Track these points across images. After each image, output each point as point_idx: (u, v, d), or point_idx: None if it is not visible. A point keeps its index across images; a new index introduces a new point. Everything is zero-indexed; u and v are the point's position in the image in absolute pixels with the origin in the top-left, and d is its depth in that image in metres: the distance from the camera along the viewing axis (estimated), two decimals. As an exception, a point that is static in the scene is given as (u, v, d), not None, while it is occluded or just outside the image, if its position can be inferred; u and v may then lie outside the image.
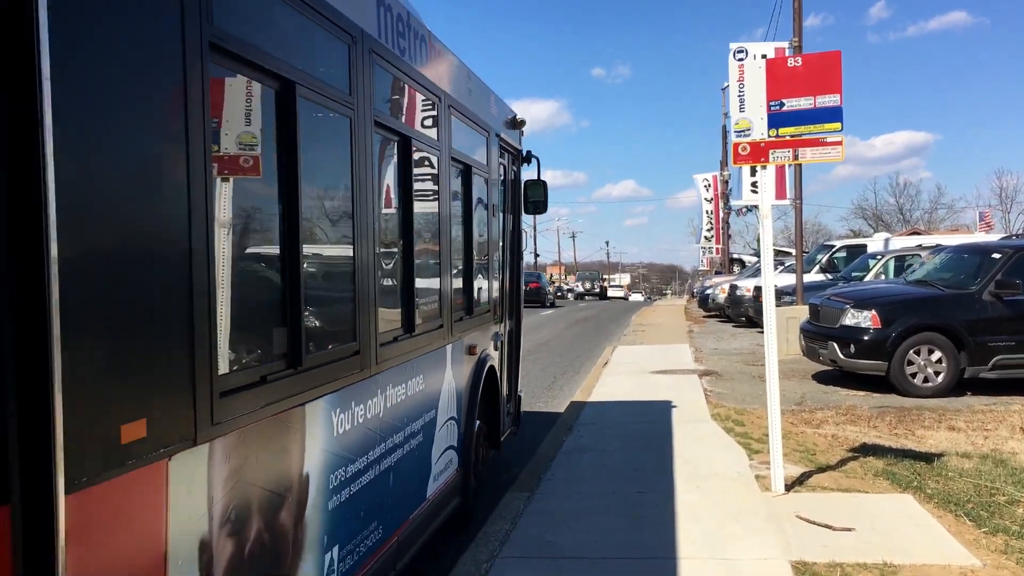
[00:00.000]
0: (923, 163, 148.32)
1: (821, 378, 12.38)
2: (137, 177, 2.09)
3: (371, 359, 3.73)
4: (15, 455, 1.77)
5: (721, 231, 42.74)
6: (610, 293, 60.33)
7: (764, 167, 6.43)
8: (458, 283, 5.54)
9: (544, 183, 7.69)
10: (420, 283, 4.57)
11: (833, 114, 6.10)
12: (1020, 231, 49.41)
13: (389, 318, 4.11)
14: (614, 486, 6.52)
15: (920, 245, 18.94)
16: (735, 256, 43.56)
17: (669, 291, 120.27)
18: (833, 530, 5.39)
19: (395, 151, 4.28)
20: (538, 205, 7.66)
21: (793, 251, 18.57)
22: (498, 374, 6.64)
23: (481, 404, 6.03)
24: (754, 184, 11.32)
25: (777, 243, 50.81)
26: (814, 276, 19.59)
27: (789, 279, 18.45)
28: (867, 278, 17.11)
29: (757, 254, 19.11)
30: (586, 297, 56.66)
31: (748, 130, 6.36)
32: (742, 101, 6.31)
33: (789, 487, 6.34)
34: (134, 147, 2.08)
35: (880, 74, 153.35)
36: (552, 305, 42.78)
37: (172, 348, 2.22)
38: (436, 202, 4.89)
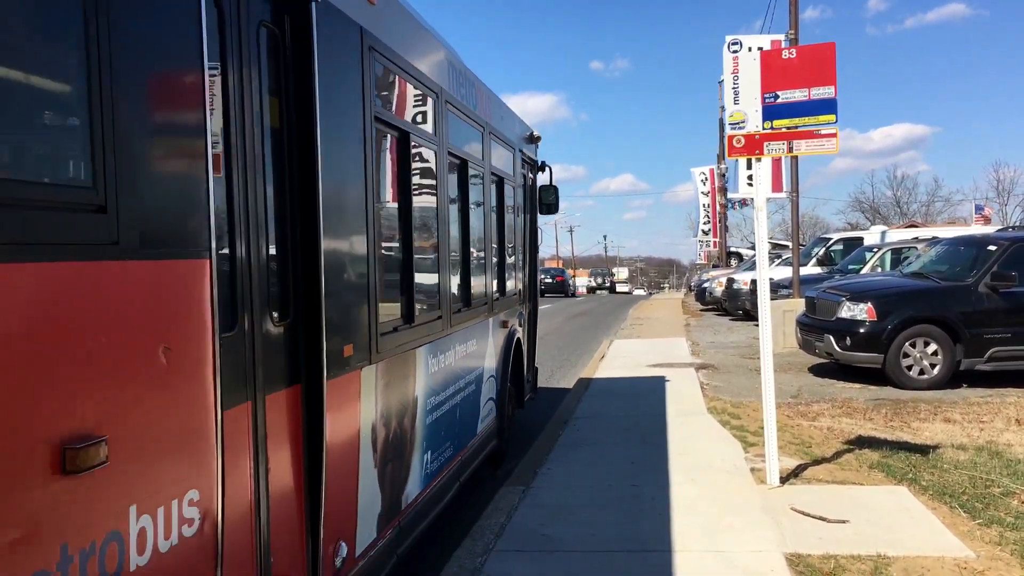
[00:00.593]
0: (921, 156, 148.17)
1: (817, 371, 12.39)
2: (352, 201, 3.71)
3: (448, 323, 5.28)
4: (302, 360, 3.23)
5: (718, 224, 42.78)
6: (618, 288, 66.48)
7: (759, 159, 6.43)
8: (496, 271, 6.99)
9: (556, 188, 9.04)
10: (473, 270, 6.08)
11: (827, 106, 6.09)
12: (1017, 223, 49.50)
13: (456, 296, 5.67)
14: (611, 479, 6.53)
15: (916, 238, 18.95)
16: (732, 249, 43.57)
17: (667, 285, 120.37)
18: (828, 522, 5.39)
19: (457, 172, 5.78)
20: (551, 207, 9.00)
21: (790, 244, 18.58)
22: (522, 346, 8.12)
23: (512, 368, 7.52)
24: (750, 177, 11.30)
25: (774, 236, 50.96)
26: (811, 269, 19.61)
27: (786, 272, 18.46)
28: (863, 271, 17.12)
29: (754, 247, 19.12)
30: (597, 291, 61.45)
31: (743, 122, 6.35)
32: (736, 93, 6.30)
33: (784, 480, 6.35)
34: (350, 181, 3.69)
35: (879, 67, 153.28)
36: (573, 295, 51.30)
37: (362, 307, 3.79)
38: (482, 209, 6.44)
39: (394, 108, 4.44)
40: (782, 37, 15.20)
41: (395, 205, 4.51)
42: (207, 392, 2.50)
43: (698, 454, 7.30)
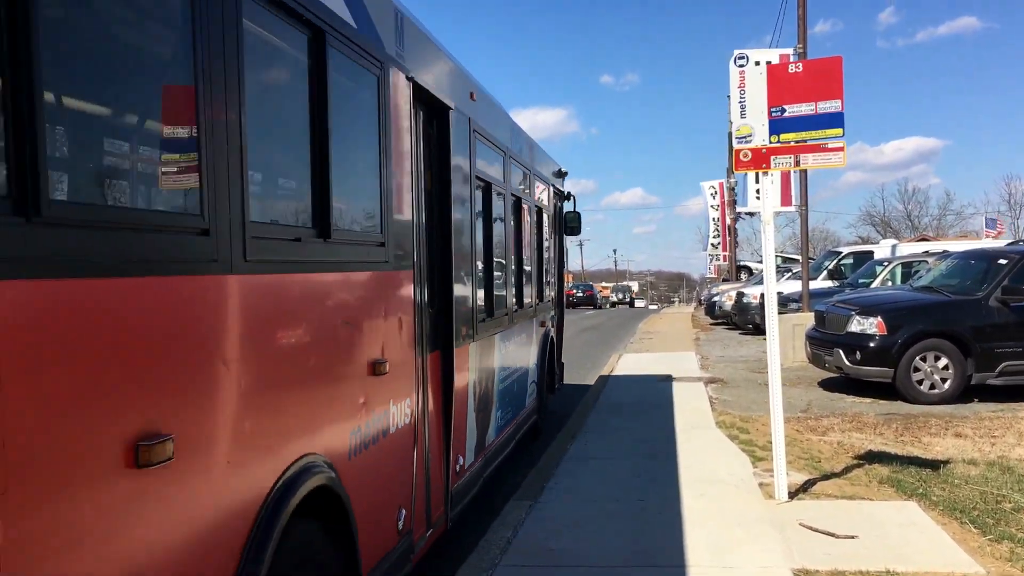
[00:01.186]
0: (932, 169, 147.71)
1: (827, 385, 12.33)
2: (464, 235, 5.46)
3: (511, 320, 7.16)
4: (441, 334, 4.90)
5: (728, 238, 42.72)
6: (637, 303, 73.92)
7: (766, 173, 6.43)
8: (537, 282, 8.80)
9: (579, 214, 10.95)
10: (524, 282, 7.92)
11: (834, 120, 6.09)
12: (1029, 237, 49.14)
13: (515, 301, 7.50)
14: (618, 493, 6.50)
15: (927, 251, 18.88)
16: (742, 263, 43.49)
17: (677, 299, 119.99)
18: (836, 537, 5.36)
19: (514, 207, 7.58)
20: (574, 229, 10.98)
21: (800, 257, 18.53)
22: (554, 343, 10.03)
23: (548, 359, 9.47)
24: (758, 191, 11.31)
25: (785, 250, 50.82)
26: (821, 283, 19.54)
27: (795, 286, 18.40)
28: (873, 284, 17.06)
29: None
30: (618, 305, 68.02)
31: (749, 136, 6.36)
32: (743, 107, 6.31)
33: (793, 494, 6.31)
34: (463, 222, 5.43)
35: (890, 80, 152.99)
36: (600, 307, 58.20)
37: (470, 304, 5.49)
38: (529, 234, 8.26)
39: (485, 168, 6.26)
40: (791, 51, 15.21)
41: (482, 235, 6.35)
42: (415, 342, 4.43)
43: (706, 468, 7.27)
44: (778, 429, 6.31)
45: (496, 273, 6.68)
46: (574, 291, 55.54)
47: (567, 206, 11.12)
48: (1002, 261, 11.13)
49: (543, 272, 9.32)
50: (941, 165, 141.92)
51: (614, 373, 14.49)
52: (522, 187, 7.93)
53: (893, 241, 25.97)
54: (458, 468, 5.30)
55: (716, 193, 43.68)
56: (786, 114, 6.19)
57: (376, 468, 3.80)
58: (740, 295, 23.63)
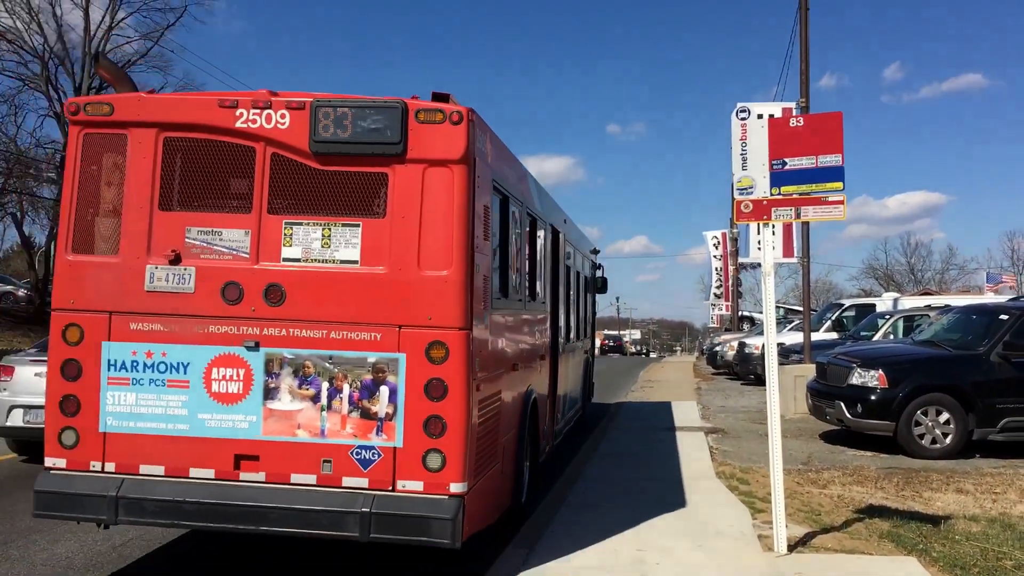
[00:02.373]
0: (936, 224, 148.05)
1: (828, 438, 12.28)
2: (561, 293, 10.68)
3: (574, 344, 11.59)
4: (555, 348, 9.97)
5: (731, 288, 42.76)
6: (652, 354, 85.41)
7: (767, 225, 6.50)
8: (584, 323, 13.30)
9: (606, 279, 15.58)
10: (579, 322, 12.23)
11: (835, 173, 6.17)
12: (1032, 293, 49.16)
13: (575, 333, 11.76)
14: (616, 543, 6.46)
15: (929, 305, 18.91)
16: (745, 314, 43.44)
17: (679, 348, 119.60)
18: (835, 592, 5.31)
19: (577, 278, 11.73)
20: (601, 289, 15.42)
21: (801, 309, 18.56)
22: (590, 365, 14.87)
23: (587, 375, 14.16)
24: (760, 242, 11.38)
25: (787, 301, 50.73)
26: (823, 335, 19.54)
27: (797, 337, 18.40)
28: (875, 337, 17.05)
29: (765, 312, 18.99)
30: (637, 355, 77.29)
31: (751, 188, 6.44)
32: (744, 159, 6.42)
33: (792, 547, 6.27)
34: (560, 286, 10.46)
35: (895, 134, 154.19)
36: (625, 354, 70.25)
37: (559, 332, 10.10)
38: (581, 292, 12.54)
39: (567, 256, 10.61)
40: (793, 104, 15.43)
41: (563, 294, 10.50)
42: (549, 347, 9.33)
43: (705, 519, 7.23)
44: (778, 481, 6.29)
45: (570, 317, 11.28)
46: (607, 341, 72.20)
47: (599, 272, 15.85)
48: (1003, 317, 11.15)
49: (587, 317, 14.11)
50: (945, 220, 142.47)
51: (615, 421, 14.44)
52: (579, 264, 12.60)
53: (895, 294, 26.04)
54: (555, 430, 10.16)
55: (719, 243, 43.82)
56: (787, 167, 6.28)
57: (543, 396, 8.54)
58: (742, 345, 23.61)
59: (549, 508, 7.69)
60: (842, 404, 11.20)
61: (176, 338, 5.38)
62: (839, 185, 6.19)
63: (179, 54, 63.14)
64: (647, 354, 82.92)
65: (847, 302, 23.89)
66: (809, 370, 13.94)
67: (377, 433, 5.19)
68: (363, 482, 5.17)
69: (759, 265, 35.32)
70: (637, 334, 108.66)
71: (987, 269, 49.17)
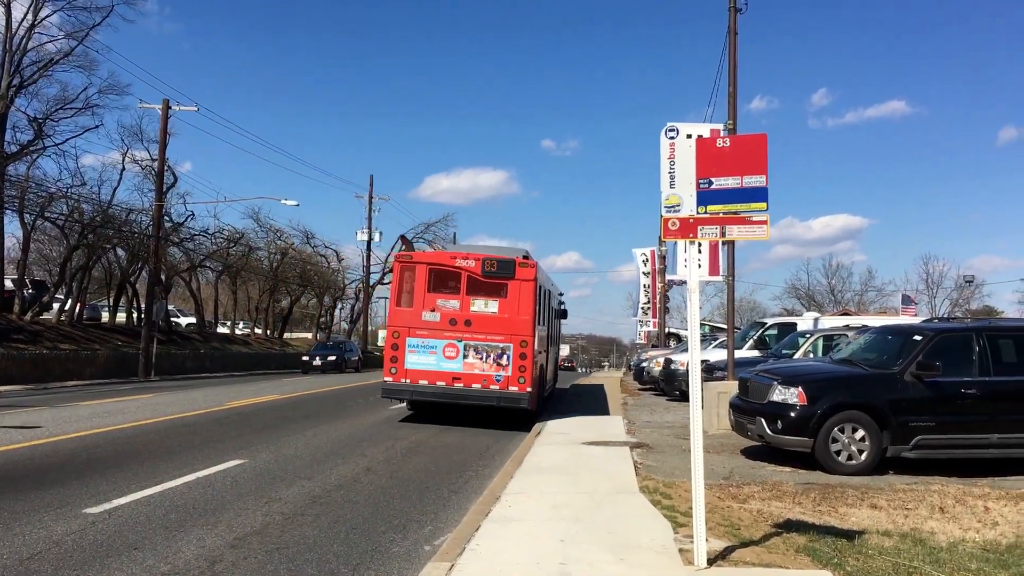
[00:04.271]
0: (858, 246, 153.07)
1: (750, 453, 12.51)
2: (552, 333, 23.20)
3: (551, 350, 23.25)
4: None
5: (658, 305, 43.43)
6: (579, 369, 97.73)
7: (692, 242, 6.60)
8: (554, 339, 24.59)
9: (566, 310, 26.35)
10: (551, 340, 22.75)
11: (759, 194, 6.33)
12: (944, 315, 51.03)
13: (551, 345, 22.95)
14: (539, 557, 6.46)
15: (847, 325, 19.47)
16: (672, 330, 44.17)
17: (607, 363, 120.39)
18: (753, 606, 5.40)
19: (548, 305, 20.57)
20: (563, 317, 25.85)
21: (726, 327, 18.93)
22: (556, 362, 26.47)
23: (554, 368, 25.49)
24: (687, 259, 11.57)
25: (713, 319, 51.60)
26: (746, 352, 19.96)
27: (721, 354, 18.74)
28: (796, 355, 17.49)
29: (691, 329, 19.34)
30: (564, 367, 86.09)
31: (678, 206, 6.56)
32: (672, 178, 6.53)
33: (712, 561, 6.36)
34: (551, 329, 22.74)
35: (821, 158, 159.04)
36: (573, 370, 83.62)
37: (547, 344, 20.97)
38: (554, 321, 23.33)
39: (552, 301, 21.42)
40: (721, 126, 15.78)
41: (545, 327, 19.51)
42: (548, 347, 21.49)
43: (628, 533, 7.28)
44: (699, 496, 6.37)
45: (551, 333, 21.19)
46: (563, 362, 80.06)
47: (562, 305, 25.86)
48: (917, 337, 11.54)
49: (556, 336, 24.55)
50: (866, 243, 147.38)
51: (541, 435, 14.47)
52: (555, 303, 21.84)
53: (816, 314, 26.74)
54: (549, 383, 22.78)
55: (648, 260, 44.54)
56: (713, 186, 6.42)
57: (545, 367, 20.30)
58: (668, 362, 23.96)
59: (471, 523, 7.65)
60: (763, 420, 11.43)
61: (433, 336, 16.52)
62: (763, 205, 6.35)
63: (104, 54, 61.37)
64: (572, 368, 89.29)
65: (770, 321, 24.47)
66: (732, 387, 14.21)
67: (502, 369, 16.35)
68: (496, 387, 16.30)
69: (686, 282, 35.86)
70: (565, 349, 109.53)
71: (903, 291, 50.92)
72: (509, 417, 17.51)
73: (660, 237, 41.93)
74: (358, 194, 61.61)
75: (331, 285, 65.47)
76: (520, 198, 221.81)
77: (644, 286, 44.58)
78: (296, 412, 18.50)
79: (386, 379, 16.79)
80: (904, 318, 23.93)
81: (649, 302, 44.16)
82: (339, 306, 73.36)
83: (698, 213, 6.46)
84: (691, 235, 6.50)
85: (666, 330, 44.14)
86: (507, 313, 16.62)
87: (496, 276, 16.61)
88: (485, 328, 16.56)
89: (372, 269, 61.26)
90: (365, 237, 57.91)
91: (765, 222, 6.37)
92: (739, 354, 18.05)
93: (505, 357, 16.39)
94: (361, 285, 62.02)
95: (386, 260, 61.93)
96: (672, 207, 6.56)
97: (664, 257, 41.20)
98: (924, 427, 10.86)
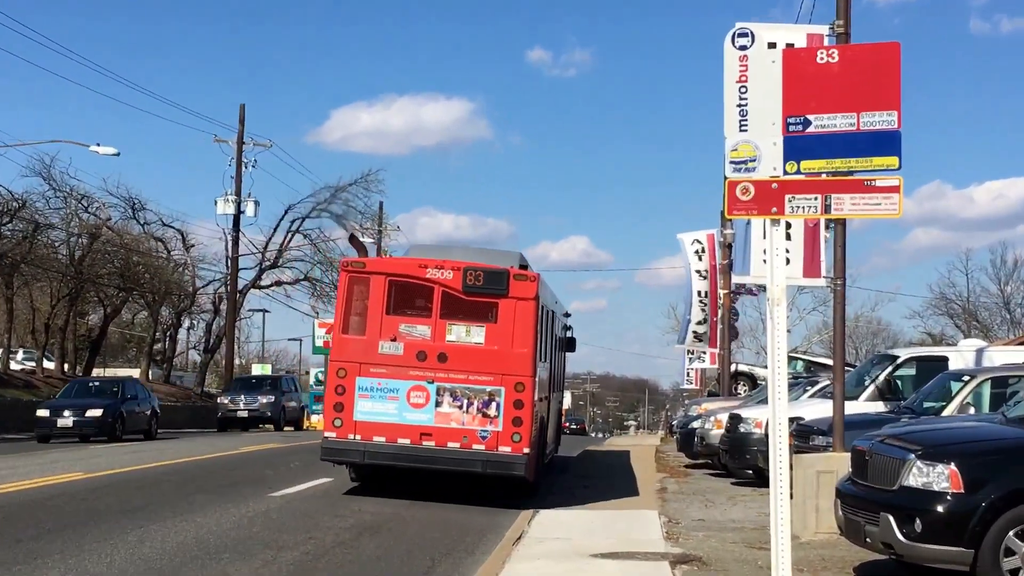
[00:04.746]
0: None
1: (870, 573, 12.52)
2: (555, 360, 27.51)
3: (552, 397, 26.15)
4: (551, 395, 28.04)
5: (720, 326, 43.37)
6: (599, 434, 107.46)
7: (776, 222, 6.58)
8: (559, 376, 30.02)
9: (574, 339, 30.97)
10: (554, 373, 26.98)
11: (887, 142, 6.31)
12: None
13: (556, 383, 28.52)
14: None
15: (1031, 361, 19.54)
16: (741, 367, 44.29)
17: (634, 422, 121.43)
18: None
19: (551, 332, 24.23)
20: (570, 348, 30.30)
21: (831, 362, 18.96)
22: (560, 415, 33.46)
23: (558, 424, 31.69)
24: (767, 250, 11.57)
25: (810, 349, 51.64)
26: (864, 404, 19.99)
27: (823, 408, 18.76)
28: (947, 411, 17.53)
29: (773, 365, 19.26)
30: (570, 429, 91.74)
31: (753, 162, 6.53)
32: (744, 115, 6.49)
33: None
34: (556, 352, 27.82)
35: (990, 85, 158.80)
36: (584, 434, 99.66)
37: (559, 380, 30.70)
38: (553, 358, 25.47)
39: (553, 325, 24.12)
40: (825, 30, 15.66)
41: (547, 365, 23.06)
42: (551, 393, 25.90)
43: None
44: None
45: (553, 375, 25.34)
46: (568, 423, 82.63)
47: (569, 332, 29.87)
48: None
49: (560, 376, 29.58)
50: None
51: (521, 543, 14.43)
52: (556, 323, 24.87)
53: (979, 342, 26.86)
54: (547, 454, 24.90)
55: (704, 251, 44.30)
56: (811, 128, 6.39)
57: (545, 422, 23.15)
58: (735, 419, 23.98)
59: None
60: (891, 518, 11.40)
61: (394, 376, 18.64)
62: (893, 161, 6.33)
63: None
64: (583, 432, 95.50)
65: (904, 353, 24.53)
66: (842, 462, 14.21)
67: (490, 422, 18.30)
68: (481, 447, 18.35)
69: (764, 289, 35.73)
70: (567, 399, 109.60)
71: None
72: (494, 488, 19.28)
73: (723, 213, 41.97)
74: (219, 137, 61.03)
75: (173, 288, 65.56)
76: (492, 145, 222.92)
77: (698, 294, 44.40)
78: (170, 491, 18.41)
79: (327, 435, 18.83)
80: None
81: (706, 320, 44.09)
82: (188, 323, 73.53)
83: (786, 173, 6.45)
84: (774, 210, 6.49)
85: (732, 367, 44.17)
86: (497, 344, 18.52)
87: (482, 292, 18.52)
88: (467, 365, 18.49)
89: (243, 263, 61.15)
90: (230, 209, 57.64)
91: (896, 188, 6.35)
92: (852, 407, 18.07)
93: (494, 406, 18.29)
94: (227, 289, 61.76)
95: (267, 245, 61.79)
96: (743, 163, 6.54)
97: (731, 247, 41.14)
98: None
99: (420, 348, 18.41)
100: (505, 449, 18.11)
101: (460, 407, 18.21)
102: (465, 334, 18.37)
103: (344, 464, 20.15)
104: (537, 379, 18.79)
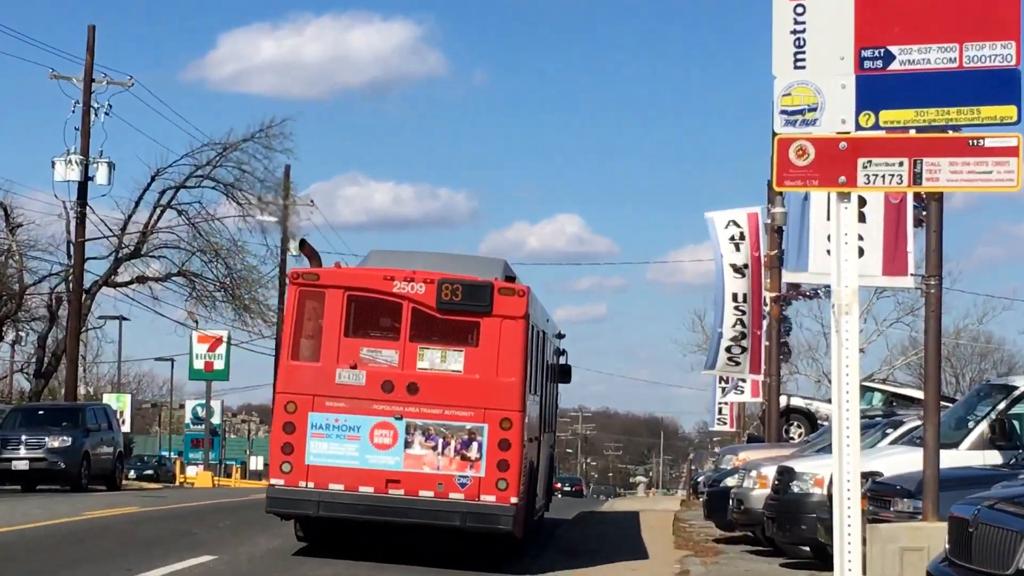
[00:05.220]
0: None
1: None
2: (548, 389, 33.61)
3: (542, 440, 30.56)
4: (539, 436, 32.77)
5: (765, 342, 43.43)
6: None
7: (846, 197, 6.59)
8: (546, 426, 31.85)
9: (569, 366, 34.82)
10: (548, 409, 32.96)
11: (1001, 85, 6.32)
12: None
13: (547, 418, 33.25)
14: None
15: None
16: (795, 401, 44.39)
17: (644, 477, 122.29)
18: None
19: (543, 358, 28.79)
20: (565, 375, 34.31)
21: (920, 395, 19.04)
22: (552, 459, 38.05)
23: (550, 472, 37.07)
24: (832, 237, 11.59)
25: (891, 375, 51.80)
26: (968, 454, 20.10)
27: (910, 459, 18.85)
28: (1085, 465, 17.61)
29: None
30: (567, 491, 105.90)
31: (812, 110, 6.53)
32: (800, 45, 6.48)
33: None
34: (546, 379, 32.32)
35: None
36: (583, 497, 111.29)
37: (551, 415, 35.80)
38: (544, 389, 30.17)
39: (544, 349, 28.21)
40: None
41: (538, 397, 27.18)
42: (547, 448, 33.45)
43: None
44: None
45: (544, 410, 29.27)
46: (560, 484, 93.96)
47: (563, 358, 33.50)
48: None
49: (552, 411, 33.22)
50: None
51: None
52: (552, 356, 30.68)
53: None
54: (537, 506, 28.29)
55: (743, 238, 44.26)
56: (895, 65, 6.41)
57: (536, 470, 26.86)
58: (786, 476, 24.06)
59: None
60: (1006, 617, 11.47)
61: (355, 410, 20.86)
62: (1011, 112, 6.35)
63: None
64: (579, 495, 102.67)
65: (1022, 382, 24.65)
66: (935, 535, 14.29)
67: (469, 466, 20.48)
68: (460, 495, 20.49)
69: (826, 290, 35.69)
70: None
71: None
72: (471, 547, 21.68)
73: (771, 183, 41.99)
74: (57, 72, 60.20)
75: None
76: (447, 86, 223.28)
77: (733, 299, 44.36)
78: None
79: (274, 482, 20.78)
80: None
81: (745, 335, 44.05)
82: (12, 335, 72.89)
83: (860, 127, 6.46)
84: (842, 180, 6.50)
85: (782, 400, 44.29)
86: (479, 372, 20.69)
87: (461, 310, 20.84)
88: (442, 397, 20.59)
89: (91, 250, 60.75)
90: (74, 174, 57.17)
91: (1014, 151, 6.38)
92: (950, 458, 18.18)
93: (475, 446, 20.34)
94: (68, 288, 61.50)
95: (125, 226, 61.48)
96: (798, 113, 6.56)
97: (781, 232, 41.14)
98: None
99: (386, 377, 20.09)
100: (489, 498, 19.84)
101: (434, 448, 19.79)
102: (440, 360, 20.06)
103: (294, 517, 21.85)
104: (527, 415, 20.60)
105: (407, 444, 19.53)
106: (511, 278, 21.02)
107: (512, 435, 19.55)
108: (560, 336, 32.65)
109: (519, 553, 21.35)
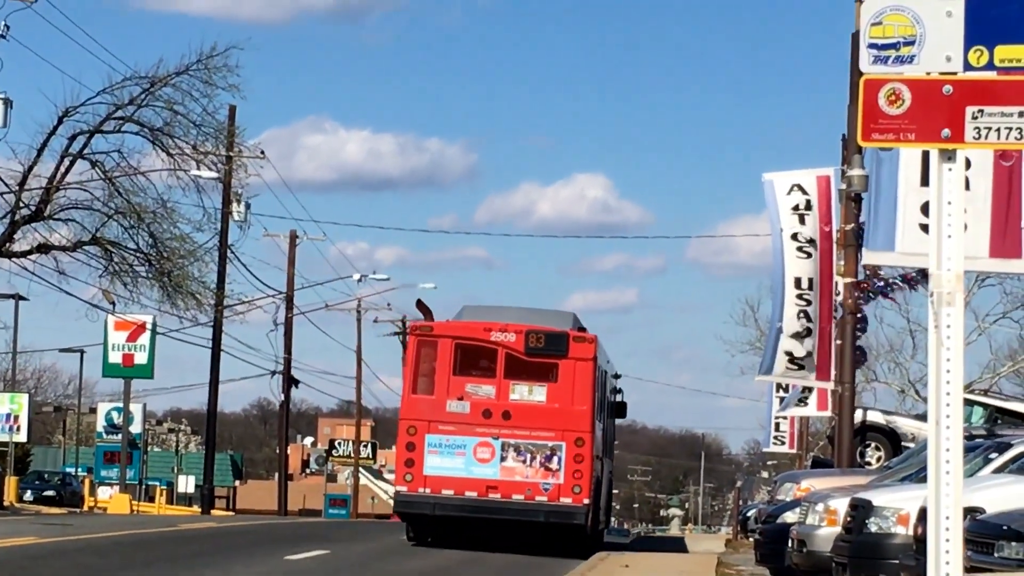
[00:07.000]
0: None
1: None
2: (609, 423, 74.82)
3: (604, 462, 67.85)
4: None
5: (838, 342, 43.49)
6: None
7: (951, 156, 6.58)
8: (607, 452, 73.98)
9: (624, 403, 76.37)
10: (608, 439, 75.27)
11: None
12: None
13: (607, 449, 75.10)
14: None
15: None
16: (873, 417, 44.45)
17: (679, 510, 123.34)
18: None
19: (604, 394, 63.98)
20: (622, 411, 77.03)
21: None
22: (611, 480, 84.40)
23: (609, 492, 79.60)
24: (926, 208, 11.58)
25: (997, 385, 52.12)
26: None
27: (1022, 492, 18.87)
28: None
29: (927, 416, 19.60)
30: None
31: (909, 44, 6.52)
32: (894, -39, 6.47)
33: None
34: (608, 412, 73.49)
35: None
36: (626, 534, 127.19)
37: (610, 442, 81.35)
38: (606, 421, 67.93)
39: (605, 386, 63.22)
40: None
41: (602, 425, 57.04)
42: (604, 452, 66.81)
43: None
44: None
45: (607, 439, 64.86)
46: None
47: (619, 396, 69.85)
48: None
49: (610, 442, 71.49)
50: None
51: None
52: (611, 394, 66.29)
53: None
54: (601, 521, 59.55)
55: (811, 207, 44.31)
56: (1016, -10, 6.40)
57: (599, 490, 56.47)
58: (862, 511, 24.11)
59: None
60: None
61: (461, 432, 44.26)
62: None
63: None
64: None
65: None
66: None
67: (552, 475, 43.06)
68: (544, 498, 43.01)
69: (923, 275, 35.50)
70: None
71: None
72: (550, 544, 32.59)
73: (849, 139, 42.00)
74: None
75: None
76: (438, 6, 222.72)
77: (796, 285, 44.46)
78: None
79: (399, 489, 30.98)
80: None
81: (811, 332, 44.13)
82: None
83: (969, 67, 6.46)
84: (946, 133, 6.48)
85: (857, 413, 44.40)
86: (558, 402, 30.74)
87: (543, 354, 31.08)
88: (529, 422, 30.55)
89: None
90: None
91: None
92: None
93: (556, 460, 30.86)
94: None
95: (24, 180, 61.36)
96: (891, 47, 6.54)
97: (858, 200, 41.18)
98: None
99: (485, 406, 29.70)
100: (566, 500, 30.53)
101: (524, 461, 29.70)
102: (528, 393, 29.30)
103: (415, 516, 32.76)
104: (595, 436, 29.58)
105: (502, 458, 29.35)
106: (581, 328, 29.61)
107: (584, 451, 29.30)
108: (617, 376, 42.71)
109: (589, 547, 29.17)
